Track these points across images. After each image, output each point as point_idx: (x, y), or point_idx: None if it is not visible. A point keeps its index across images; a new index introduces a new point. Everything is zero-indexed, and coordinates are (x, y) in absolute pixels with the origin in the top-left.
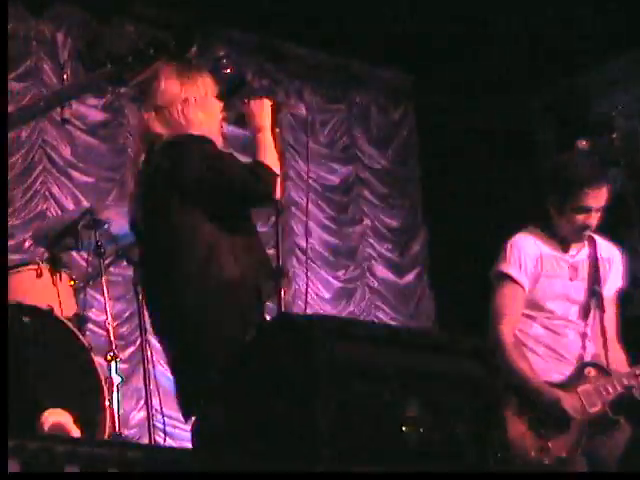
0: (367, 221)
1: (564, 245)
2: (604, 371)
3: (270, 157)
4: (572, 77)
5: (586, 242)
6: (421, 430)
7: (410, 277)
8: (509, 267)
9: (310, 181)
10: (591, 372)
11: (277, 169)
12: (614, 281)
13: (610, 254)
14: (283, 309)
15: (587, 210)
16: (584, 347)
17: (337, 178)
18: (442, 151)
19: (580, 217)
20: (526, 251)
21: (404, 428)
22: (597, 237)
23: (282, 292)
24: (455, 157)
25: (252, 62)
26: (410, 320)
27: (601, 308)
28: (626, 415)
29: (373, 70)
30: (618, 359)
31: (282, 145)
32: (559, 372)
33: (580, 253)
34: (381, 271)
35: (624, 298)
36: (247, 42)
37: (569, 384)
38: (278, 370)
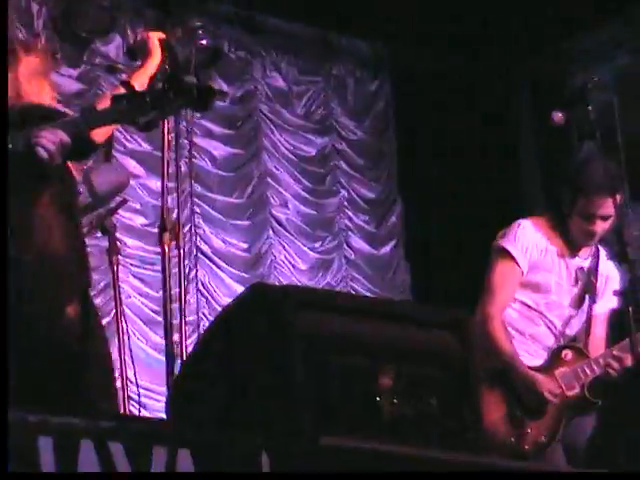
0: (344, 192)
1: (571, 247)
2: (582, 354)
3: None
4: (548, 48)
5: (591, 255)
6: (395, 401)
7: (386, 249)
8: (514, 247)
9: (287, 152)
10: (568, 355)
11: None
12: (608, 299)
13: (610, 272)
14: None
15: (592, 217)
16: (557, 342)
17: (313, 149)
18: (419, 123)
19: (586, 223)
20: (535, 239)
21: (378, 398)
22: (603, 251)
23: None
24: (432, 129)
25: (228, 33)
26: (387, 292)
27: (588, 318)
28: (604, 397)
29: (350, 42)
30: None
31: None
32: (529, 357)
33: (584, 261)
34: (357, 242)
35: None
36: (223, 13)
37: (547, 367)
38: (253, 341)
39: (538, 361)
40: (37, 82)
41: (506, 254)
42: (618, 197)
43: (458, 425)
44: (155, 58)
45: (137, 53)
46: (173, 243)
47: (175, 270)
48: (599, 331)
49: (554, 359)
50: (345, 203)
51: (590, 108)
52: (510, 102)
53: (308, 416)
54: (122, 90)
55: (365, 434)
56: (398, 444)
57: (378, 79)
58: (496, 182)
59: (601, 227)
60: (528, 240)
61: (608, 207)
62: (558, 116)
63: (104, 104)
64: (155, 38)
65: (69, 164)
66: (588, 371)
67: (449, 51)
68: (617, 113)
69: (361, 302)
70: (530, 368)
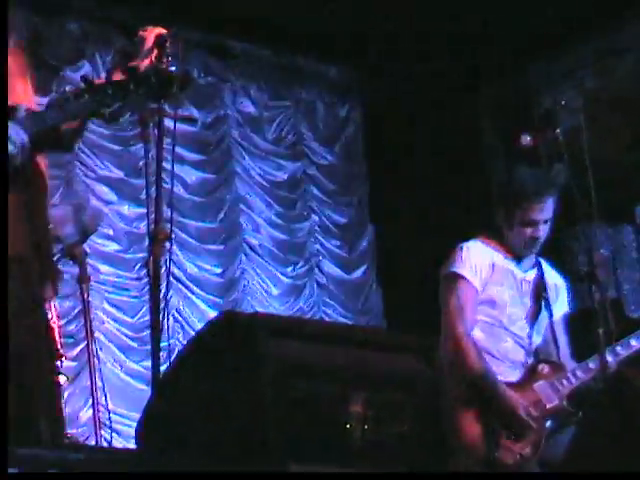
0: (315, 217)
1: (516, 258)
2: (558, 367)
3: None
4: (517, 73)
5: (535, 266)
6: (365, 427)
7: (358, 273)
8: (464, 269)
9: (258, 178)
10: (544, 369)
11: None
12: (561, 306)
13: (556, 281)
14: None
15: (534, 223)
16: (527, 356)
17: (285, 174)
18: (389, 148)
19: (528, 230)
20: (481, 257)
21: (349, 425)
22: (544, 262)
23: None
24: (402, 154)
25: (197, 59)
26: (359, 316)
27: (551, 325)
28: (584, 407)
29: (319, 67)
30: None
31: None
32: (502, 375)
33: (529, 271)
34: (329, 267)
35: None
36: (193, 39)
37: (524, 383)
38: (223, 368)
39: (512, 378)
40: (13, 82)
41: (458, 278)
42: (552, 200)
43: (432, 448)
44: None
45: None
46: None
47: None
48: (562, 339)
49: (531, 374)
50: (316, 228)
51: (558, 131)
52: (479, 124)
53: (277, 443)
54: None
55: (335, 460)
56: (369, 469)
57: (347, 104)
58: (467, 204)
59: (543, 231)
60: (475, 260)
61: (549, 210)
62: (527, 139)
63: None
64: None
65: (42, 170)
66: (566, 383)
67: (417, 70)
68: (585, 136)
69: (330, 329)
70: (510, 385)
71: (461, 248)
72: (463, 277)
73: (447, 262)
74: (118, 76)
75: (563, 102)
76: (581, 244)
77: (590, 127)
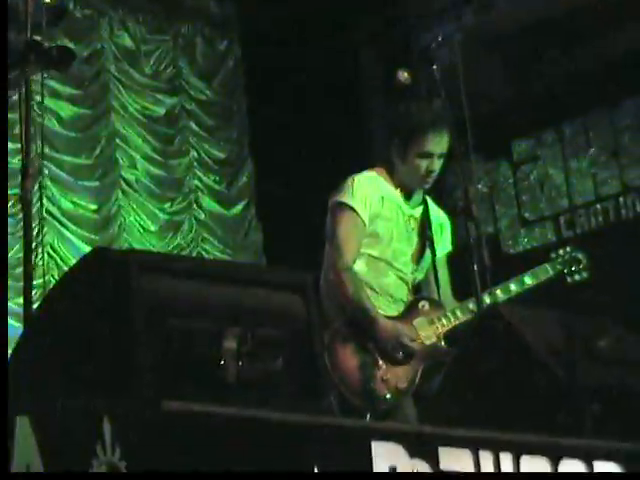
0: (193, 153)
1: (406, 194)
2: (438, 305)
3: None
4: (395, 8)
5: (422, 203)
6: (240, 363)
7: (237, 209)
8: (353, 200)
9: (135, 113)
10: (425, 306)
11: None
12: (444, 245)
13: (440, 219)
14: None
15: (429, 155)
16: (408, 292)
17: (162, 109)
18: (269, 83)
19: (423, 163)
20: (371, 189)
21: (222, 362)
22: (429, 200)
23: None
24: (282, 89)
25: None
26: (239, 253)
27: (433, 263)
28: (459, 346)
29: (198, 0)
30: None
31: None
32: (382, 309)
33: (417, 208)
34: (208, 203)
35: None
36: None
37: (404, 317)
38: (95, 305)
39: (392, 313)
40: None
41: (346, 207)
42: (447, 133)
43: (305, 386)
44: None
45: None
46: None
47: (20, 234)
48: (444, 277)
49: (411, 310)
50: (195, 163)
51: (435, 67)
52: (358, 60)
53: (149, 380)
54: None
55: (209, 398)
56: (243, 407)
57: (227, 38)
58: (344, 141)
59: (438, 165)
60: (365, 192)
61: (444, 143)
62: (403, 75)
63: None
64: None
65: None
66: (444, 321)
67: (295, 6)
68: (462, 72)
69: (205, 265)
70: (390, 317)
71: (353, 179)
72: (351, 208)
73: (337, 192)
74: None
75: (440, 38)
76: (458, 179)
77: (467, 63)
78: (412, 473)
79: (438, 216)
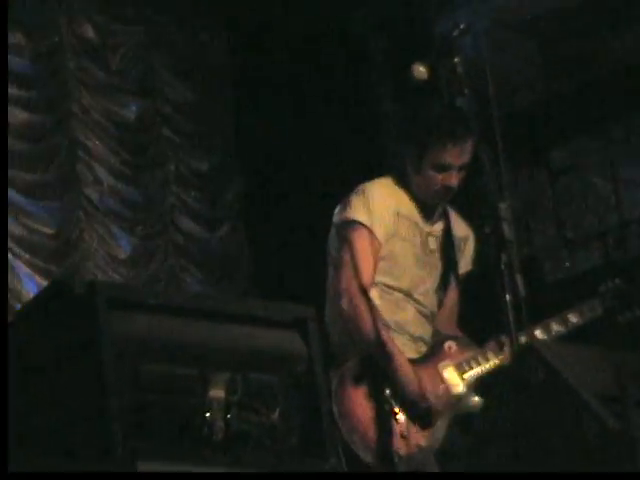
0: (170, 165)
1: (423, 209)
2: (466, 345)
3: None
4: None
5: (442, 217)
6: (228, 415)
7: (223, 231)
8: (364, 216)
9: (99, 118)
10: (452, 347)
11: None
12: (465, 263)
13: (465, 233)
14: None
15: (448, 168)
16: (429, 328)
17: (132, 114)
18: (261, 81)
19: (440, 176)
20: (385, 203)
21: (208, 414)
22: (452, 212)
23: None
24: (276, 87)
25: None
26: (224, 283)
27: (457, 289)
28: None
29: None
30: None
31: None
32: None
33: (437, 224)
34: (187, 225)
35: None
36: None
37: (427, 360)
38: (56, 347)
39: (412, 354)
40: None
41: (357, 225)
42: (471, 142)
43: (307, 441)
44: None
45: None
46: None
47: None
48: (451, 299)
49: (436, 351)
50: (171, 178)
51: (457, 60)
52: (366, 54)
53: (122, 437)
54: None
55: (193, 457)
56: (231, 467)
57: (210, 28)
58: (350, 149)
59: (457, 178)
60: (379, 206)
61: (466, 154)
62: (419, 70)
63: None
64: None
65: None
66: (474, 365)
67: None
68: (488, 65)
69: (186, 300)
70: (411, 361)
71: (363, 191)
72: (363, 225)
73: (344, 206)
74: None
75: (462, 26)
76: (485, 195)
77: (496, 55)
78: (412, 473)
79: (461, 230)
